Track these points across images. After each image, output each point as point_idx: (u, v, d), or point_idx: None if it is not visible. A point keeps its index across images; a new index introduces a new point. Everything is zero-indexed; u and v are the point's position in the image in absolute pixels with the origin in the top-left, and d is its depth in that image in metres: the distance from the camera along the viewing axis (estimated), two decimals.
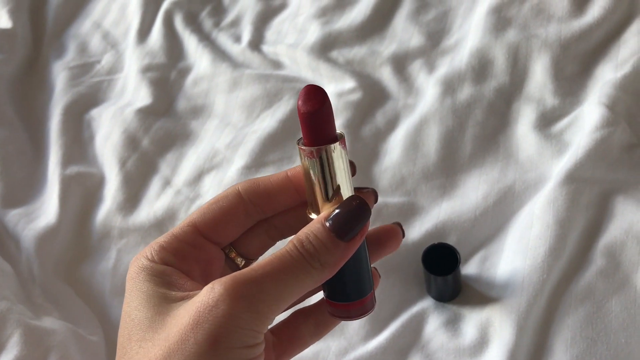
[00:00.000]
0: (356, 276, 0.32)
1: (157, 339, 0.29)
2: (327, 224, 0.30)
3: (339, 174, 0.31)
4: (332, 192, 0.31)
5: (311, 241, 0.30)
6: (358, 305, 0.33)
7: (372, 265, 0.35)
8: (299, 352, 0.35)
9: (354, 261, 0.32)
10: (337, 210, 0.30)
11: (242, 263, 0.36)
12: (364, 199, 0.31)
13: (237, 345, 0.28)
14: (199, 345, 0.28)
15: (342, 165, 0.31)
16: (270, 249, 0.37)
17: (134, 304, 0.31)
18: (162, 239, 0.33)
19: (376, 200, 0.35)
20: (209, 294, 0.28)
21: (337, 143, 0.31)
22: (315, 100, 0.30)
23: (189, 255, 0.33)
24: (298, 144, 0.32)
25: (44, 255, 0.65)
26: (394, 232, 0.35)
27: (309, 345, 0.36)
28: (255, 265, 0.29)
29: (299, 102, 0.30)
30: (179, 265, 0.32)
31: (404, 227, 0.61)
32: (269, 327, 0.35)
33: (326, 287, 0.33)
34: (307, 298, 0.36)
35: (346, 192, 0.32)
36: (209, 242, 0.33)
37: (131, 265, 0.32)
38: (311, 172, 0.31)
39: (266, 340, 0.34)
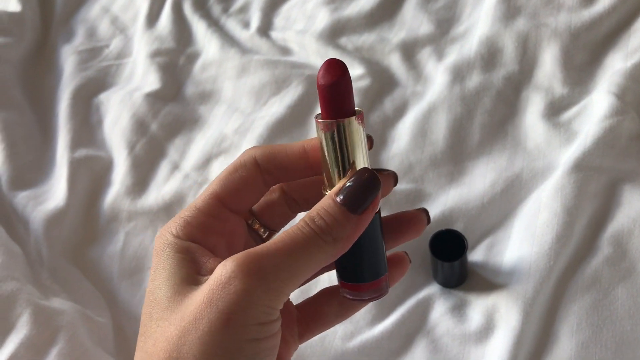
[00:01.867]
0: (369, 256, 0.32)
1: (174, 318, 0.29)
2: (338, 199, 0.30)
3: (355, 149, 0.31)
4: (348, 168, 0.31)
5: (322, 216, 0.29)
6: (370, 287, 0.33)
7: (402, 251, 0.35)
8: (322, 331, 0.35)
9: (367, 240, 0.32)
10: (347, 184, 0.30)
11: (266, 234, 0.36)
12: (374, 172, 0.31)
13: (251, 322, 0.28)
14: (211, 323, 0.28)
15: (359, 141, 0.31)
16: (291, 222, 0.37)
17: (157, 281, 0.31)
18: (186, 212, 0.32)
19: (395, 183, 0.34)
20: (222, 271, 0.28)
21: (354, 117, 0.30)
22: (334, 73, 0.30)
23: (214, 229, 0.32)
24: (316, 118, 0.31)
25: (53, 238, 0.66)
26: (417, 219, 0.34)
27: (332, 325, 0.36)
28: (267, 242, 0.29)
29: (319, 75, 0.30)
30: (203, 240, 0.32)
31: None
32: (294, 303, 0.35)
33: (338, 267, 0.33)
34: (323, 274, 0.36)
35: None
36: (231, 213, 0.33)
37: (156, 240, 0.32)
38: (328, 146, 0.31)
39: (291, 315, 0.34)
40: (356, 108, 0.31)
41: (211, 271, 0.30)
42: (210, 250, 0.32)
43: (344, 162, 0.31)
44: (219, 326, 0.28)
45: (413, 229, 0.34)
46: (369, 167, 0.31)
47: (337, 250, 0.30)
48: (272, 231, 0.37)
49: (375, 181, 0.30)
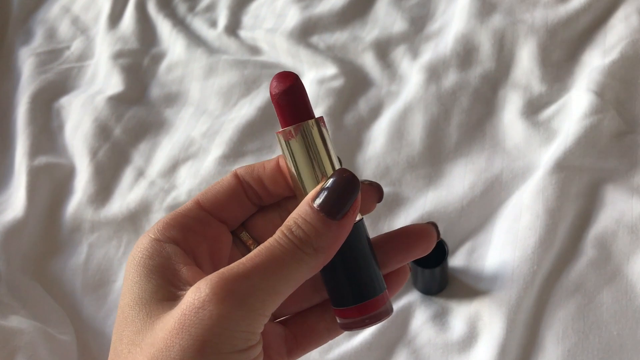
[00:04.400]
0: (359, 273, 0.29)
1: (144, 344, 0.27)
2: (316, 204, 0.27)
3: (322, 155, 0.29)
4: (320, 175, 0.29)
5: (300, 225, 0.27)
6: (367, 311, 0.29)
7: (405, 264, 0.32)
8: (314, 348, 0.32)
9: (352, 255, 0.29)
10: (324, 188, 0.28)
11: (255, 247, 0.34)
12: (351, 172, 0.28)
13: (228, 349, 0.26)
14: (184, 351, 0.25)
15: (326, 146, 0.29)
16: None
17: (126, 299, 0.28)
18: (166, 216, 0.31)
19: (380, 198, 0.31)
20: (195, 294, 0.26)
21: (314, 120, 0.29)
22: (286, 80, 0.29)
23: (195, 230, 0.30)
24: (277, 132, 0.30)
25: (11, 251, 0.62)
26: (426, 232, 0.31)
27: (325, 341, 0.33)
28: (243, 259, 0.27)
29: (271, 86, 0.29)
30: (183, 241, 0.30)
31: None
32: (279, 319, 0.33)
33: (329, 291, 0.30)
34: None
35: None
36: (214, 219, 0.31)
37: (135, 246, 0.30)
38: (293, 157, 0.29)
39: (277, 333, 0.32)
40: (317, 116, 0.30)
41: (186, 282, 0.28)
42: (190, 253, 0.30)
43: (313, 169, 0.29)
44: (192, 354, 0.25)
45: (422, 244, 0.31)
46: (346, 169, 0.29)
47: (319, 262, 0.27)
48: None
49: (353, 181, 0.28)
